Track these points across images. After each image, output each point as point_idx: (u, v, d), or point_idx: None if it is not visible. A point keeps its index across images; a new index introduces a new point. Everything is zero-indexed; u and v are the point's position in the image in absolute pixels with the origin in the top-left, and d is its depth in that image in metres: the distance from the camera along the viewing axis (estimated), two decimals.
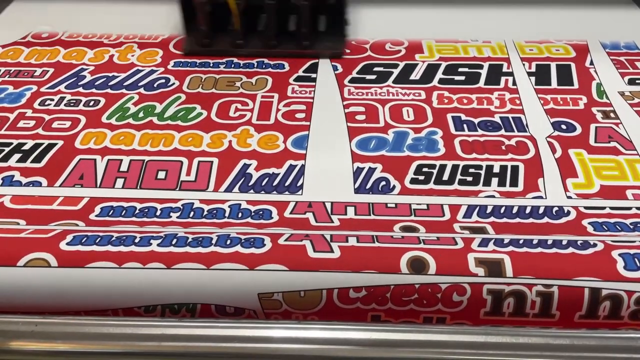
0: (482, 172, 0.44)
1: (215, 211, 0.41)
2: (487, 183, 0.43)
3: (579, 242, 0.35)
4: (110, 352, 0.31)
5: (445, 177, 0.44)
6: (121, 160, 0.45)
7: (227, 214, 0.40)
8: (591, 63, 0.58)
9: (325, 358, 0.30)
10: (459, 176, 0.44)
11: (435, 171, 0.44)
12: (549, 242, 0.35)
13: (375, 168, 0.44)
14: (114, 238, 0.35)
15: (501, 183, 0.43)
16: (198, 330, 0.31)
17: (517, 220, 0.40)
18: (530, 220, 0.40)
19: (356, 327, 0.32)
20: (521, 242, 0.35)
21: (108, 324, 0.31)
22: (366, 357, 0.31)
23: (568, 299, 0.33)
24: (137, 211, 0.40)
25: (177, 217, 0.40)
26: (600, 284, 0.33)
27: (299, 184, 0.43)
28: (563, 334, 0.30)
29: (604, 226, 0.39)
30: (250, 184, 0.43)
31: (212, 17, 0.57)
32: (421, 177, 0.44)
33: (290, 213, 0.40)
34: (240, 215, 0.40)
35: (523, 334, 0.30)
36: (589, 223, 0.39)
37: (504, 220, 0.40)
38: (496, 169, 0.44)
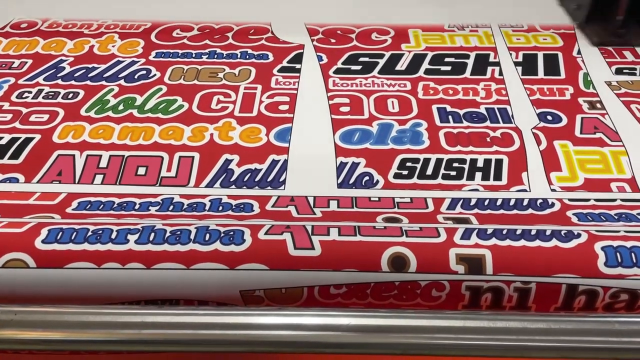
0: (466, 166, 0.44)
1: (195, 205, 0.40)
2: (470, 177, 0.43)
3: (563, 233, 0.35)
4: (90, 340, 0.30)
5: (429, 171, 0.43)
6: (100, 155, 0.44)
7: (207, 208, 0.40)
8: (578, 52, 0.57)
9: (303, 343, 0.30)
10: (442, 170, 0.43)
11: (419, 165, 0.44)
12: (533, 232, 0.35)
13: (359, 162, 0.44)
14: (90, 233, 0.35)
15: (485, 177, 0.43)
16: (178, 317, 0.31)
17: (501, 211, 0.39)
18: (514, 211, 0.39)
19: (340, 314, 0.31)
20: (504, 232, 0.35)
21: (87, 312, 0.31)
22: (349, 343, 0.30)
23: (545, 294, 0.33)
24: (115, 205, 0.40)
25: (156, 211, 0.39)
26: (578, 280, 0.33)
27: (281, 179, 0.42)
28: (540, 319, 0.30)
29: (589, 217, 0.39)
30: (232, 180, 0.42)
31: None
32: (405, 172, 0.43)
33: (272, 206, 0.40)
34: (220, 208, 0.40)
35: (501, 318, 0.30)
36: (574, 214, 0.39)
37: (488, 211, 0.39)
38: (480, 163, 0.44)
